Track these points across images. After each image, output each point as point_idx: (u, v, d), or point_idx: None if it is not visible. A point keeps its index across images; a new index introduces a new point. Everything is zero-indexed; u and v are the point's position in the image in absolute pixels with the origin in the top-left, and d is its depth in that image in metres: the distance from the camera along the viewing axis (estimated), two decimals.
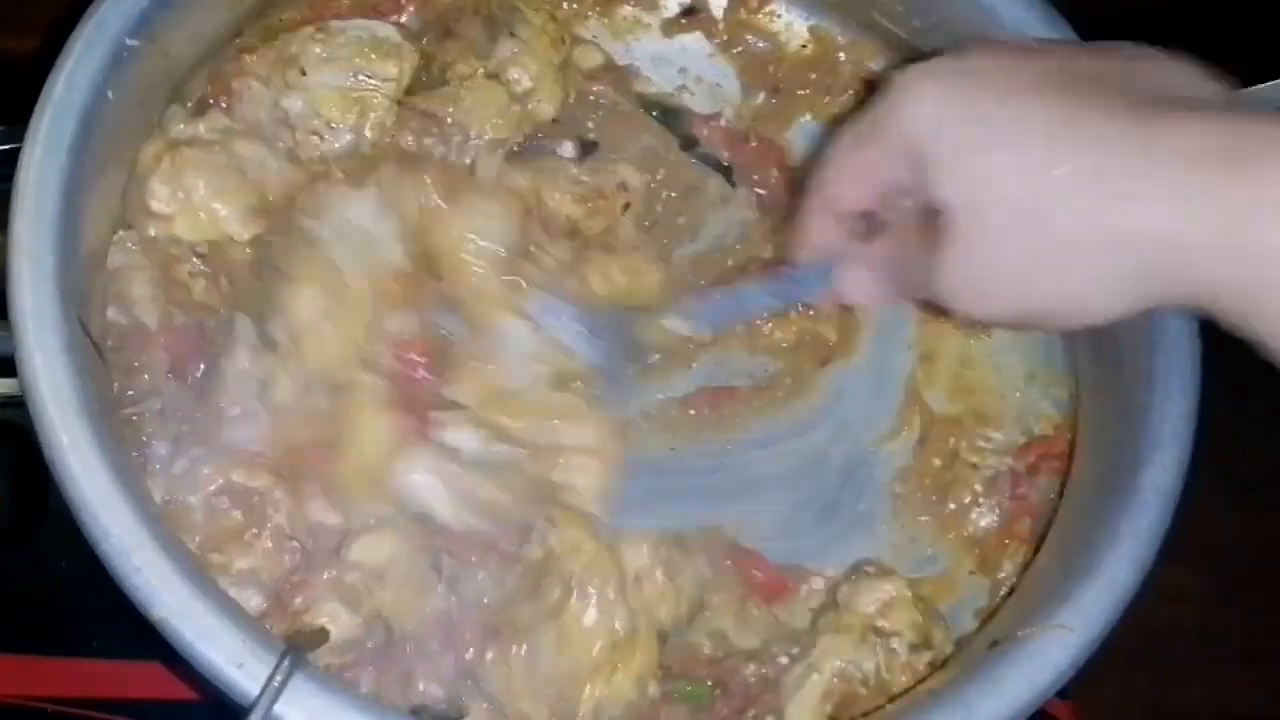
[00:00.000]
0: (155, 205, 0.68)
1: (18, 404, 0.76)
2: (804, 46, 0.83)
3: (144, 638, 0.57)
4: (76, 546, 0.57)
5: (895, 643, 0.67)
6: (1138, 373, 0.66)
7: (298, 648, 0.57)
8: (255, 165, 0.69)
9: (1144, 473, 0.64)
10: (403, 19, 0.77)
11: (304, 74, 0.70)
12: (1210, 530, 0.64)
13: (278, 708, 0.55)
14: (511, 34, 0.74)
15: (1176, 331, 0.66)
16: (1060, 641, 0.61)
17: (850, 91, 0.83)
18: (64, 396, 0.58)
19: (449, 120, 0.72)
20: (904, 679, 0.67)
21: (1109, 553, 0.62)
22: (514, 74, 0.73)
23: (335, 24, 0.72)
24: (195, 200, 0.68)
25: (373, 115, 0.71)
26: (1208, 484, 0.65)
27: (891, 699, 0.66)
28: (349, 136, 0.71)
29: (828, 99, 0.83)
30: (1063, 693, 0.63)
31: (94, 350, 0.62)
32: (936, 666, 0.68)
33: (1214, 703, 0.88)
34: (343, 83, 0.71)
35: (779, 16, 0.83)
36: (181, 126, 0.69)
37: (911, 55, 0.79)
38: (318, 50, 0.71)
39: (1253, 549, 0.91)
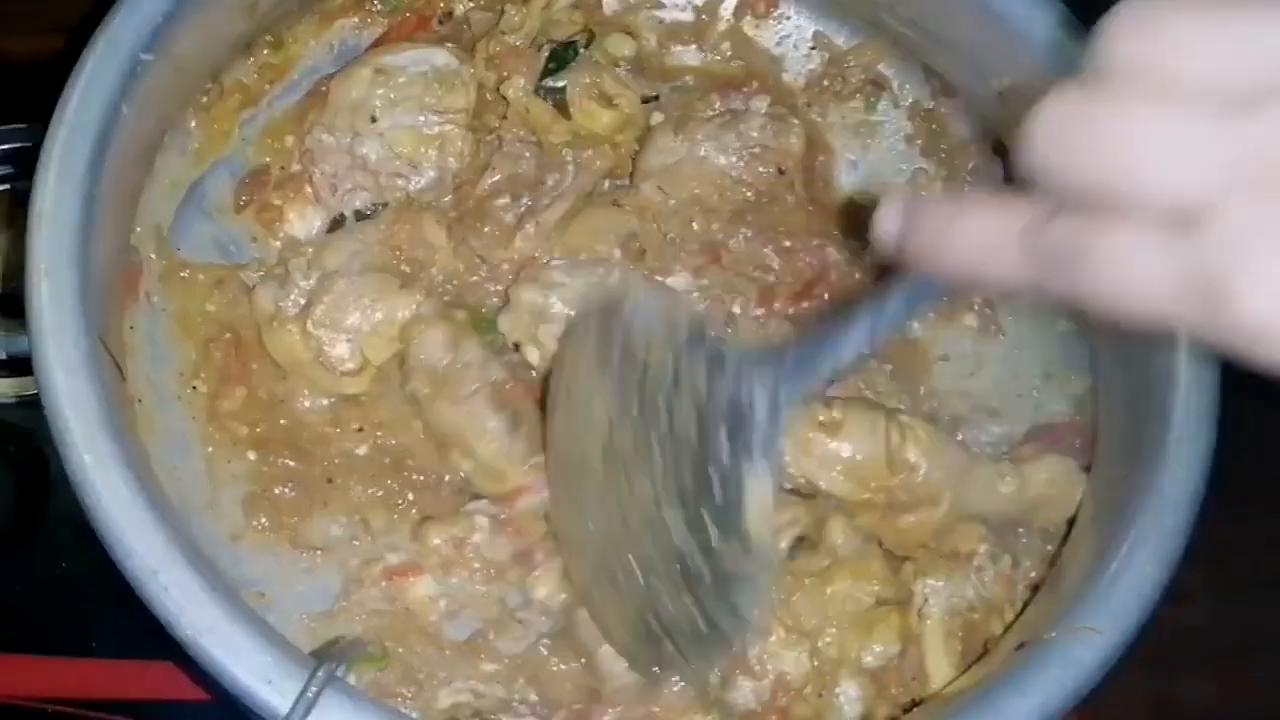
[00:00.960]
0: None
1: (18, 404, 0.77)
2: (812, 49, 0.83)
3: (144, 637, 0.57)
4: (77, 547, 0.58)
5: (978, 560, 0.69)
6: (1158, 369, 0.66)
7: (329, 661, 0.56)
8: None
9: (1167, 471, 0.64)
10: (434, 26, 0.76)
11: (374, 120, 0.70)
12: (1214, 528, 0.64)
13: None
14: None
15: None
16: (1089, 644, 0.61)
17: (858, 95, 0.82)
18: (87, 414, 0.58)
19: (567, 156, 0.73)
20: (1003, 590, 0.69)
21: (1135, 553, 0.62)
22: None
23: (388, 61, 0.72)
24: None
25: (451, 148, 0.72)
26: (1212, 482, 0.65)
27: (1007, 626, 0.68)
28: (433, 172, 0.72)
29: (835, 104, 0.83)
30: None
31: (115, 366, 0.62)
32: (1033, 581, 0.70)
33: (1217, 702, 0.89)
34: (414, 121, 0.71)
35: (788, 19, 0.83)
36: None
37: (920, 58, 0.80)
38: (381, 93, 0.71)
39: (1257, 547, 0.91)
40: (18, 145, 0.82)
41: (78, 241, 0.60)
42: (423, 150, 0.71)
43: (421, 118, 0.71)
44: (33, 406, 0.59)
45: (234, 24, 0.70)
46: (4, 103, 0.83)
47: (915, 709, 0.66)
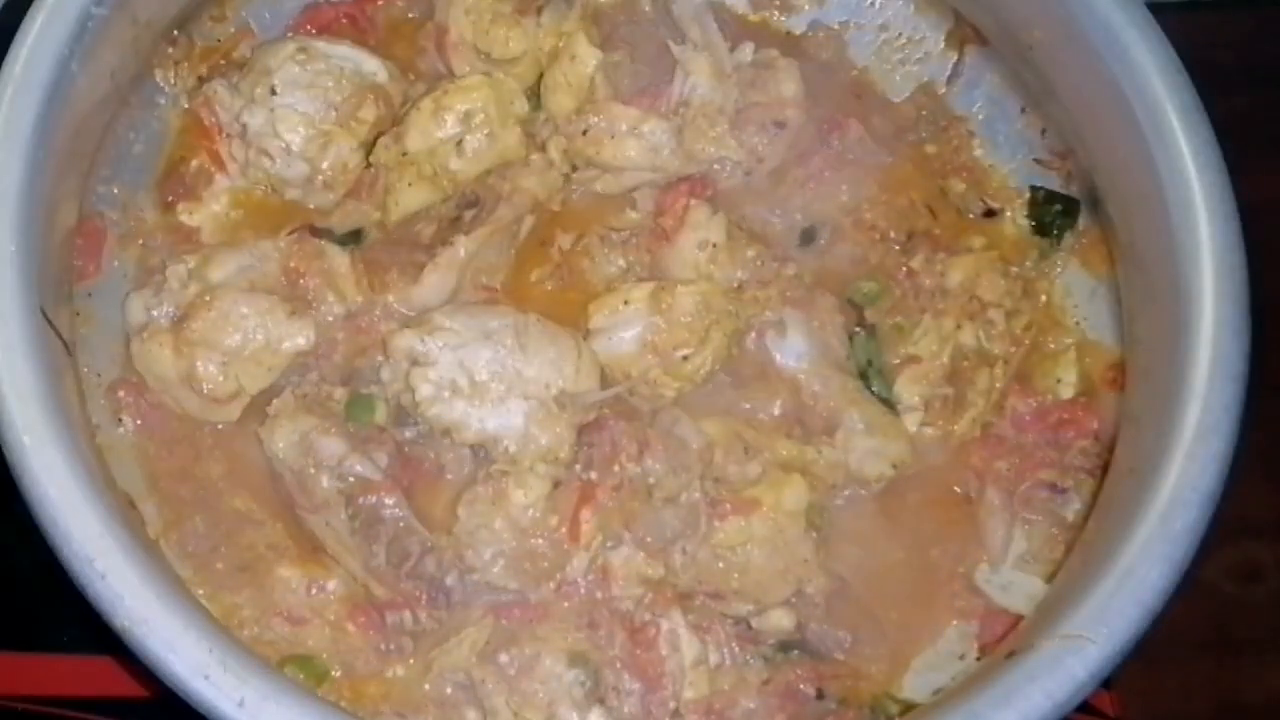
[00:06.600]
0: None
1: None
2: None
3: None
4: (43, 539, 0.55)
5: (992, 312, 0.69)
6: (1184, 359, 0.61)
7: None
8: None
9: (1181, 468, 0.59)
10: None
11: (274, 93, 0.66)
12: None
13: None
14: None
15: (1227, 319, 0.60)
16: (1079, 653, 0.56)
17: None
18: (26, 395, 0.56)
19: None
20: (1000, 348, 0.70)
21: (1138, 559, 0.58)
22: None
23: (320, 45, 0.68)
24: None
25: (333, 151, 0.67)
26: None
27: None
28: (304, 167, 0.67)
29: None
30: (1105, 683, 0.59)
31: (60, 344, 0.60)
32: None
33: None
34: (310, 109, 0.67)
35: None
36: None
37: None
38: (295, 71, 0.67)
39: None
40: None
41: (22, 211, 0.58)
42: (303, 141, 0.66)
43: (319, 110, 0.66)
44: None
45: None
46: None
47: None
